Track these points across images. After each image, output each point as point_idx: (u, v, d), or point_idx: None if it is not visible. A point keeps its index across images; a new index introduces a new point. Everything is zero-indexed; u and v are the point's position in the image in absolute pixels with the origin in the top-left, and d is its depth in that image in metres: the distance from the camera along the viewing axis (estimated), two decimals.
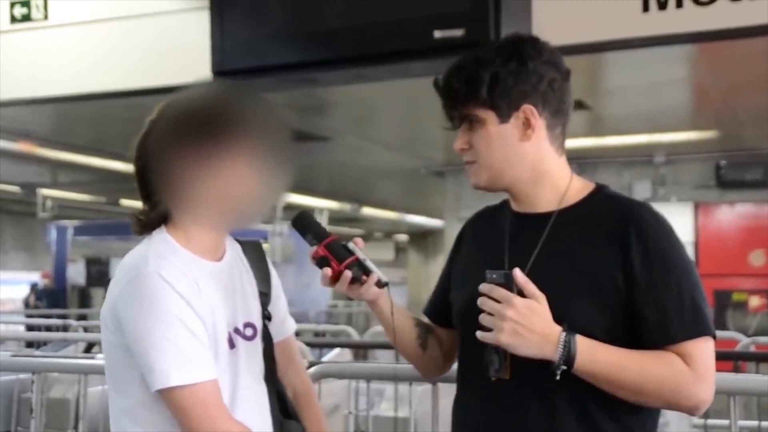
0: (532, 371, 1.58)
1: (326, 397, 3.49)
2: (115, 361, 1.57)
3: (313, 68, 2.87)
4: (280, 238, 11.47)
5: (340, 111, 7.47)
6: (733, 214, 9.44)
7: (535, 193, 1.71)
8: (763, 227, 9.11)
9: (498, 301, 1.55)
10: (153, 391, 1.49)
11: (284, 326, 1.81)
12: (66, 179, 11.10)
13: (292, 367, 1.81)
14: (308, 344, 4.77)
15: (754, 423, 3.85)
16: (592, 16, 2.64)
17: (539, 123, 1.67)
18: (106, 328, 1.56)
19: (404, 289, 17.01)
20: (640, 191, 8.86)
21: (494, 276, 1.58)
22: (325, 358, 4.69)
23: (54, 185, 11.68)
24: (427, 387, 2.74)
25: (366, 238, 19.93)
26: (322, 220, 12.71)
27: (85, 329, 7.24)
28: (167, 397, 1.49)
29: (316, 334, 7.93)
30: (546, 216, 1.69)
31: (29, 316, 11.87)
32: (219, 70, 2.86)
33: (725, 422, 2.43)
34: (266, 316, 1.72)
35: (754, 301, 9.40)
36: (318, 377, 2.77)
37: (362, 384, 3.62)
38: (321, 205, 12.81)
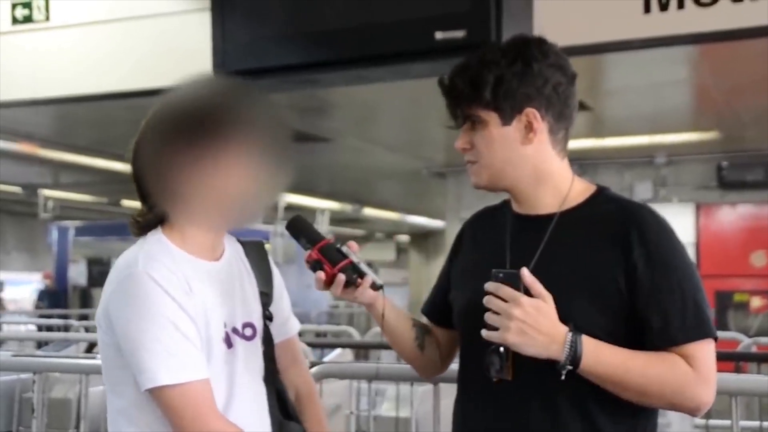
0: (533, 372, 1.58)
1: (328, 398, 3.49)
2: (109, 362, 1.57)
3: (314, 69, 2.87)
4: (281, 239, 11.47)
5: (342, 112, 7.47)
6: (734, 215, 9.44)
7: (536, 194, 1.71)
8: (764, 228, 9.11)
9: (504, 300, 1.55)
10: (143, 391, 1.49)
11: (287, 326, 1.80)
12: (67, 180, 11.10)
13: (294, 367, 1.81)
14: (310, 344, 4.77)
15: (755, 423, 3.85)
16: (593, 17, 2.64)
17: (541, 127, 1.66)
18: (99, 328, 1.57)
19: (405, 290, 17.00)
20: (641, 192, 8.86)
21: (501, 275, 1.57)
22: (326, 359, 4.69)
23: (55, 186, 11.69)
24: (428, 387, 2.74)
25: (367, 238, 19.94)
26: (324, 221, 12.72)
27: (87, 329, 7.24)
28: (157, 396, 1.49)
29: (318, 334, 7.92)
30: (547, 218, 1.69)
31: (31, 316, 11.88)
32: (220, 71, 2.86)
33: (727, 422, 2.43)
34: (267, 317, 1.71)
35: (756, 302, 9.39)
36: (319, 377, 2.78)
37: (364, 384, 3.62)
38: (322, 205, 12.80)
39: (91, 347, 5.47)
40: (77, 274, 13.63)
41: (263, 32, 2.84)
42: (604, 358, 1.56)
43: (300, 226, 1.72)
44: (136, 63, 3.34)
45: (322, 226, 12.88)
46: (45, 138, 8.54)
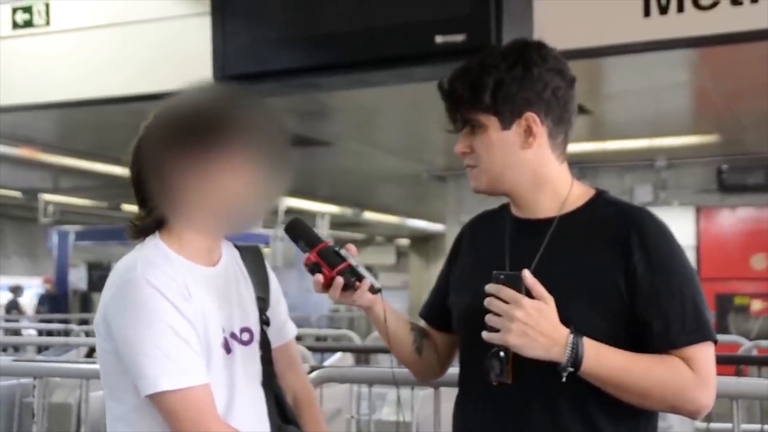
0: (534, 375, 1.58)
1: (328, 402, 3.49)
2: (108, 368, 1.57)
3: (314, 73, 2.87)
4: (281, 243, 11.47)
5: (342, 116, 7.48)
6: (734, 218, 9.44)
7: (535, 199, 1.71)
8: (764, 231, 9.11)
9: (506, 302, 1.55)
10: (143, 397, 1.49)
11: (284, 331, 1.80)
12: (68, 184, 11.10)
13: (292, 372, 1.81)
14: (310, 348, 4.76)
15: (756, 426, 3.84)
16: (593, 21, 2.64)
17: (541, 131, 1.66)
18: (98, 334, 1.56)
19: (406, 294, 17.00)
20: (642, 195, 8.86)
21: (502, 277, 1.57)
22: (326, 363, 4.69)
23: (56, 190, 11.69)
24: (429, 391, 2.73)
25: (367, 242, 19.94)
26: (324, 225, 12.72)
27: (87, 334, 7.23)
28: (158, 402, 1.49)
29: (318, 338, 7.92)
30: (547, 222, 1.69)
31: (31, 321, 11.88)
32: (221, 76, 2.87)
33: (728, 426, 2.43)
34: (264, 321, 1.71)
35: (756, 305, 9.39)
36: (320, 382, 2.77)
37: (364, 388, 3.62)
38: (322, 209, 12.81)
39: (91, 352, 5.46)
40: (77, 278, 13.62)
41: (263, 36, 2.85)
42: (605, 361, 1.56)
43: (299, 228, 1.72)
44: (137, 67, 3.35)
45: (323, 230, 12.90)
46: (45, 142, 8.54)
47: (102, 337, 1.55)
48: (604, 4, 2.65)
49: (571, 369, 1.54)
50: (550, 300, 1.56)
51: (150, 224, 1.60)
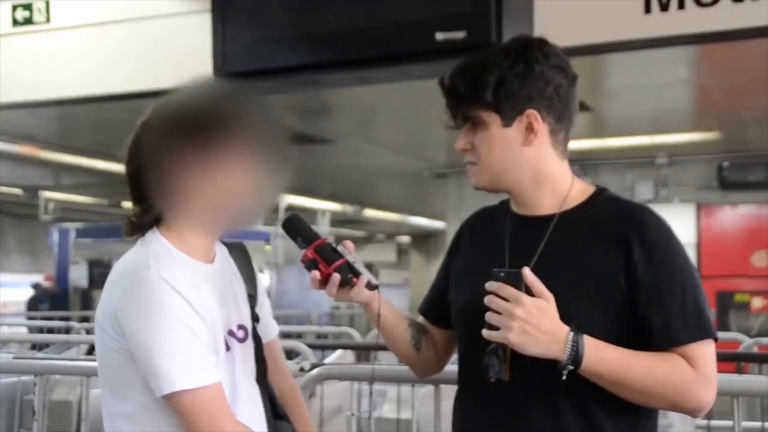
0: (533, 372, 1.58)
1: (328, 399, 3.49)
2: (113, 366, 1.55)
3: (315, 71, 2.87)
4: (282, 240, 11.47)
5: (343, 113, 7.47)
6: (735, 215, 9.44)
7: (536, 196, 1.70)
8: (765, 228, 9.10)
9: (506, 300, 1.55)
10: (159, 396, 1.48)
11: (269, 328, 1.80)
12: (68, 182, 11.10)
13: (277, 369, 1.80)
14: (310, 346, 4.76)
15: (757, 424, 3.84)
16: (594, 18, 2.64)
17: (542, 128, 1.66)
18: (104, 332, 1.54)
19: (407, 291, 17.00)
20: (643, 192, 8.85)
21: (502, 274, 1.57)
22: (327, 360, 4.68)
23: (56, 188, 11.69)
24: (429, 389, 2.74)
25: (368, 240, 19.94)
26: (325, 223, 12.72)
27: (88, 331, 7.23)
28: (174, 401, 1.48)
29: (319, 335, 7.92)
30: (547, 218, 1.69)
31: (31, 318, 11.88)
32: (221, 73, 2.86)
33: (729, 423, 2.43)
34: (255, 318, 1.71)
35: (757, 302, 9.39)
36: (320, 379, 2.77)
37: (365, 386, 3.62)
38: (323, 207, 12.81)
39: (92, 349, 5.46)
40: (78, 275, 13.64)
41: (264, 34, 2.85)
42: (605, 358, 1.56)
43: (296, 225, 1.71)
44: (137, 64, 3.34)
45: (323, 228, 12.90)
46: (45, 140, 8.54)
47: (109, 336, 1.53)
48: (604, 1, 2.65)
49: (571, 367, 1.54)
50: (551, 298, 1.56)
51: (148, 221, 1.60)
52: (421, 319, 1.91)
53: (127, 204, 1.66)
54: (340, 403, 3.96)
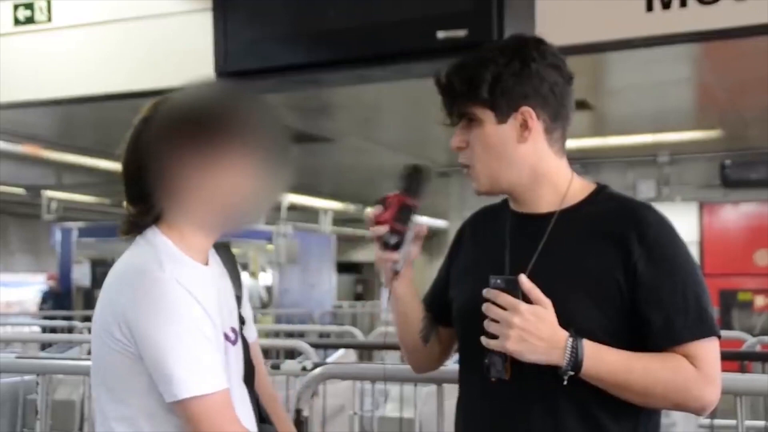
0: (534, 372, 1.58)
1: (331, 398, 3.49)
2: (114, 369, 1.52)
3: (316, 69, 2.87)
4: (284, 239, 11.47)
5: (344, 112, 7.47)
6: (737, 213, 9.43)
7: (534, 194, 1.70)
8: None
9: (503, 308, 1.55)
10: (169, 401, 1.46)
11: (251, 330, 1.79)
12: (70, 181, 11.11)
13: (259, 373, 1.79)
14: (313, 345, 4.76)
15: (760, 423, 3.84)
16: (595, 16, 2.64)
17: (537, 125, 1.66)
18: (107, 334, 1.51)
19: None
20: (644, 191, 8.85)
21: (498, 281, 1.56)
22: (329, 359, 4.68)
23: (59, 187, 11.70)
24: (432, 388, 2.74)
25: (370, 239, 19.91)
26: (326, 221, 12.72)
27: (90, 331, 7.23)
28: (184, 407, 1.46)
29: (321, 335, 7.92)
30: (547, 217, 1.68)
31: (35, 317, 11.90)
32: (222, 72, 2.87)
33: (732, 422, 2.42)
34: (241, 320, 1.70)
35: (760, 301, 9.38)
36: (323, 378, 2.77)
37: (367, 385, 3.62)
38: (325, 206, 12.81)
39: None
40: (81, 275, 13.63)
41: (265, 32, 2.84)
42: (605, 362, 1.55)
43: (418, 175, 1.73)
44: (139, 64, 3.35)
45: (325, 226, 12.91)
46: (48, 139, 8.54)
47: (111, 337, 1.50)
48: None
49: (571, 372, 1.54)
50: (548, 304, 1.55)
51: (149, 220, 1.58)
52: None
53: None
54: (343, 403, 3.96)
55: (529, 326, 1.53)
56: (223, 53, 2.88)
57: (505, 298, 1.55)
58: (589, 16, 2.63)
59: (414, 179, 1.73)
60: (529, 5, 2.62)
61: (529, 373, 1.59)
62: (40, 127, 7.85)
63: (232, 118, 1.54)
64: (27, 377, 3.83)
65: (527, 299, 1.55)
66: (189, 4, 3.25)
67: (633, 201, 1.69)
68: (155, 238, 1.56)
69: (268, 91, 3.17)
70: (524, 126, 1.65)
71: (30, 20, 3.52)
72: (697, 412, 1.61)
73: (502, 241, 1.71)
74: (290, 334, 7.86)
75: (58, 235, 13.16)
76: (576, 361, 1.53)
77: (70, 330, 8.07)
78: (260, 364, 1.83)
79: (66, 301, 12.77)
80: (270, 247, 11.95)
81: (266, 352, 5.35)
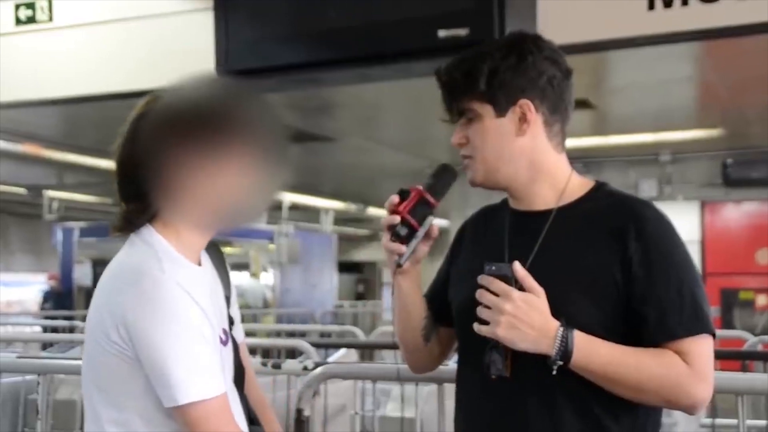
0: (532, 368, 1.58)
1: (332, 398, 3.49)
2: (109, 372, 1.49)
3: (317, 68, 2.87)
4: (285, 239, 11.47)
5: (346, 112, 7.47)
6: (739, 212, 9.43)
7: (533, 190, 1.70)
8: None
9: (497, 295, 1.55)
10: (168, 406, 1.44)
11: (239, 331, 1.78)
12: (72, 181, 11.11)
13: (246, 374, 1.77)
14: (314, 345, 4.76)
15: (762, 422, 3.84)
16: (597, 15, 2.63)
17: (535, 118, 1.66)
18: (103, 335, 1.48)
19: None
20: (646, 190, 8.85)
21: (493, 268, 1.57)
22: (330, 359, 4.68)
23: (60, 187, 11.70)
24: (433, 387, 2.73)
25: (371, 238, 19.92)
26: (328, 221, 12.72)
27: None
28: (183, 411, 1.44)
29: (322, 334, 7.93)
30: (545, 213, 1.68)
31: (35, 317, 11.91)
32: (223, 71, 2.86)
33: (733, 422, 2.42)
34: (230, 320, 1.69)
35: (761, 300, 9.38)
36: (324, 378, 2.77)
37: (368, 384, 3.62)
38: (327, 205, 12.81)
39: None
40: (82, 275, 13.64)
41: (266, 31, 2.84)
42: (596, 354, 1.55)
43: (444, 175, 1.74)
44: (140, 63, 3.34)
45: (327, 226, 12.91)
46: (49, 139, 8.54)
47: (107, 338, 1.47)
48: None
49: (560, 362, 1.54)
50: (541, 292, 1.56)
51: (144, 219, 1.55)
52: None
53: None
54: (344, 402, 3.96)
55: (520, 313, 1.53)
56: (224, 52, 2.88)
57: (498, 285, 1.55)
58: (590, 14, 2.63)
59: (441, 178, 1.75)
60: (530, 3, 2.62)
61: (526, 370, 1.59)
62: (41, 126, 7.85)
63: (229, 115, 1.53)
64: (28, 377, 3.83)
65: (522, 288, 1.55)
66: (190, 4, 3.25)
67: (631, 197, 1.70)
68: (151, 237, 1.54)
69: (269, 90, 3.17)
70: (523, 119, 1.66)
71: (31, 20, 3.52)
72: (688, 409, 1.60)
73: (501, 239, 1.71)
74: (291, 334, 7.86)
75: (59, 235, 13.18)
76: (565, 351, 1.53)
77: (71, 330, 8.07)
78: (248, 365, 1.81)
79: (67, 300, 12.78)
80: (271, 246, 11.95)
81: (267, 352, 5.38)
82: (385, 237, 1.72)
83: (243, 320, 1.87)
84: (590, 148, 8.17)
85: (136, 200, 1.55)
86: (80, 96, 3.56)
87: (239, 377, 1.67)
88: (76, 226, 13.06)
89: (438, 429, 2.50)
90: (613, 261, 1.59)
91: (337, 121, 7.86)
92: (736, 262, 9.26)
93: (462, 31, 2.51)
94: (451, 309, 1.80)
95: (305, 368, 3.05)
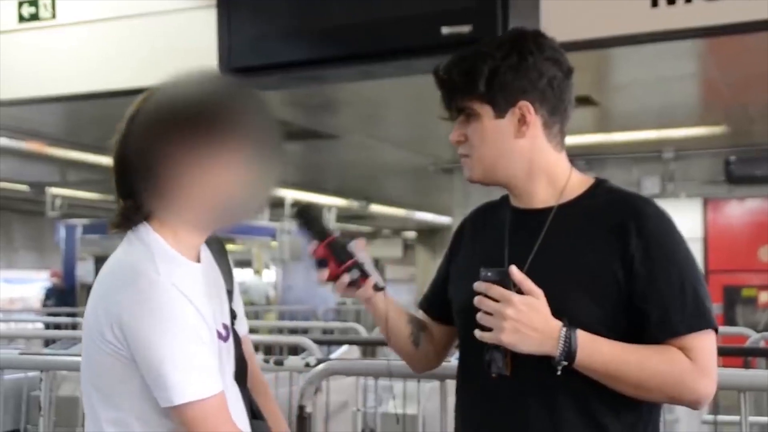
0: (532, 367, 1.58)
1: (334, 394, 3.49)
2: (105, 372, 1.50)
3: (320, 65, 2.87)
4: (288, 236, 11.48)
5: (348, 109, 7.47)
6: (742, 209, 9.41)
7: (532, 188, 1.70)
8: None
9: (496, 300, 1.54)
10: (164, 407, 1.44)
11: (242, 325, 1.77)
12: (75, 178, 11.12)
13: (250, 368, 1.77)
14: (316, 341, 4.76)
15: (764, 419, 3.83)
16: (600, 12, 2.63)
17: (535, 120, 1.66)
18: (99, 335, 1.48)
19: (412, 286, 17.00)
20: (649, 187, 8.83)
21: (489, 274, 1.56)
22: (333, 356, 4.69)
23: (63, 184, 11.71)
24: (435, 384, 2.73)
25: (374, 235, 19.94)
26: (331, 218, 12.72)
27: None
28: (180, 412, 1.44)
29: (325, 331, 7.93)
30: (545, 211, 1.68)
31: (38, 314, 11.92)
32: (226, 68, 2.86)
33: (736, 418, 2.42)
34: (233, 315, 1.69)
35: (764, 297, 9.36)
36: (326, 374, 2.78)
37: (370, 381, 3.61)
38: (329, 202, 12.82)
39: None
40: (85, 272, 13.66)
41: (269, 29, 2.84)
42: (599, 352, 1.55)
43: (311, 216, 1.71)
44: (143, 60, 3.34)
45: (330, 223, 12.90)
46: (52, 136, 8.55)
47: (102, 338, 1.47)
48: None
49: (565, 362, 1.54)
50: (540, 294, 1.55)
51: (140, 216, 1.55)
52: (421, 314, 1.91)
53: None
54: (346, 399, 3.96)
55: (523, 317, 1.53)
56: (226, 50, 2.88)
57: (498, 290, 1.54)
58: (593, 11, 2.63)
59: (312, 220, 1.72)
60: (533, 0, 2.61)
61: (527, 369, 1.59)
62: (44, 123, 7.86)
63: (221, 112, 1.51)
64: (31, 373, 3.83)
65: (519, 291, 1.55)
66: (193, 1, 3.24)
67: (632, 194, 1.69)
68: (148, 236, 1.53)
69: (271, 87, 3.17)
70: (522, 121, 1.65)
71: (34, 17, 3.52)
72: (692, 405, 1.61)
73: (501, 237, 1.71)
74: (294, 331, 7.87)
75: (62, 232, 13.20)
76: (569, 351, 1.53)
77: (74, 326, 8.08)
78: (252, 358, 1.81)
79: (69, 297, 12.81)
80: (274, 244, 11.96)
81: (269, 349, 5.38)
82: (352, 290, 1.70)
83: (246, 317, 1.86)
84: (593, 146, 8.16)
85: (132, 197, 1.54)
86: (83, 93, 3.55)
87: (241, 372, 1.66)
88: (79, 223, 13.08)
89: (440, 426, 2.50)
90: (614, 258, 1.59)
91: (340, 118, 7.86)
92: (739, 260, 9.24)
93: (465, 28, 2.50)
94: (451, 307, 1.80)
95: (307, 365, 3.05)
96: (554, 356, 1.54)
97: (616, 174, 8.54)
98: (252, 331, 1.87)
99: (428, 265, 17.22)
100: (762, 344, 5.13)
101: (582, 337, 1.54)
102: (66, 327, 8.30)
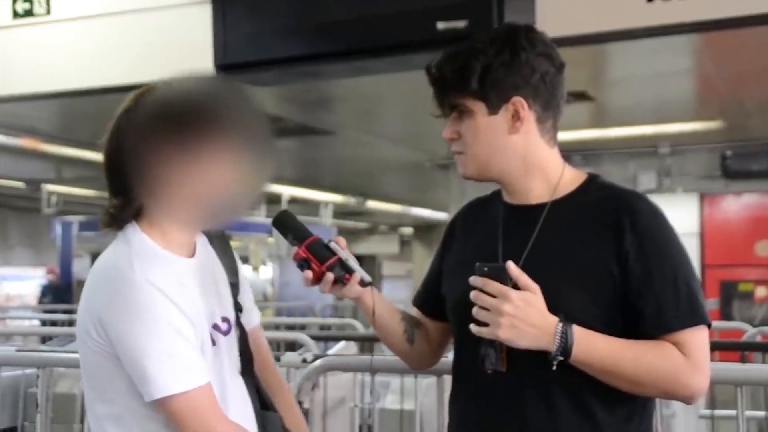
0: (528, 363, 1.58)
1: (332, 390, 3.50)
2: (96, 369, 1.53)
3: (315, 61, 2.87)
4: None
5: (345, 105, 7.46)
6: (738, 204, 9.42)
7: (526, 184, 1.70)
8: None
9: (492, 296, 1.54)
10: (148, 401, 1.46)
11: (251, 317, 1.78)
12: (70, 175, 11.10)
13: (261, 358, 1.78)
14: (313, 337, 4.76)
15: (761, 413, 3.84)
16: (596, 6, 2.63)
17: (528, 116, 1.65)
18: (86, 334, 1.51)
19: (409, 282, 17.01)
20: (645, 182, 8.83)
21: (486, 269, 1.56)
22: (330, 351, 4.69)
23: (58, 181, 11.69)
24: (432, 380, 2.73)
25: (371, 231, 19.95)
26: (327, 214, 12.72)
27: None
28: (164, 405, 1.46)
29: (322, 327, 7.93)
30: (539, 207, 1.68)
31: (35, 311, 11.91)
32: (221, 64, 2.86)
33: (732, 413, 2.42)
34: (238, 308, 1.70)
35: (761, 292, 9.38)
36: (323, 370, 2.77)
37: (368, 377, 3.61)
38: (326, 198, 12.81)
39: None
40: (81, 269, 13.65)
41: (264, 24, 2.84)
42: (595, 348, 1.55)
43: (287, 221, 1.71)
44: (138, 56, 3.34)
45: (326, 220, 12.90)
46: (47, 133, 8.53)
47: (92, 338, 1.50)
48: None
49: (560, 358, 1.54)
50: (537, 290, 1.55)
51: (128, 214, 1.56)
52: (415, 311, 1.90)
53: None
54: (344, 395, 3.96)
55: (520, 313, 1.53)
56: (222, 45, 2.87)
57: (495, 286, 1.54)
58: (589, 6, 2.62)
59: (288, 225, 1.71)
60: None
61: (522, 364, 1.59)
62: (39, 120, 7.84)
63: (211, 110, 1.51)
64: (28, 370, 3.83)
65: (516, 286, 1.55)
66: None
67: (625, 190, 1.69)
68: (134, 236, 1.55)
69: (267, 83, 3.17)
70: (516, 117, 1.65)
71: (29, 13, 3.52)
72: (686, 400, 1.61)
73: (494, 233, 1.71)
74: (291, 327, 7.86)
75: (58, 229, 13.17)
76: (565, 347, 1.53)
77: (70, 323, 8.07)
78: (263, 349, 1.82)
79: (65, 294, 12.78)
80: (271, 240, 11.95)
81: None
82: (338, 289, 1.69)
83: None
84: (589, 141, 8.16)
85: (123, 194, 1.56)
86: (78, 89, 3.55)
87: (247, 365, 1.67)
88: (75, 220, 13.05)
89: (437, 421, 2.50)
90: (608, 255, 1.59)
91: (336, 114, 7.85)
92: (736, 254, 9.25)
93: (461, 23, 2.50)
94: (445, 303, 1.80)
95: (304, 361, 3.06)
96: (550, 352, 1.54)
97: (613, 169, 8.55)
98: None
99: (425, 261, 17.21)
100: (758, 339, 5.14)
101: (578, 332, 1.54)
102: (62, 324, 8.30)
